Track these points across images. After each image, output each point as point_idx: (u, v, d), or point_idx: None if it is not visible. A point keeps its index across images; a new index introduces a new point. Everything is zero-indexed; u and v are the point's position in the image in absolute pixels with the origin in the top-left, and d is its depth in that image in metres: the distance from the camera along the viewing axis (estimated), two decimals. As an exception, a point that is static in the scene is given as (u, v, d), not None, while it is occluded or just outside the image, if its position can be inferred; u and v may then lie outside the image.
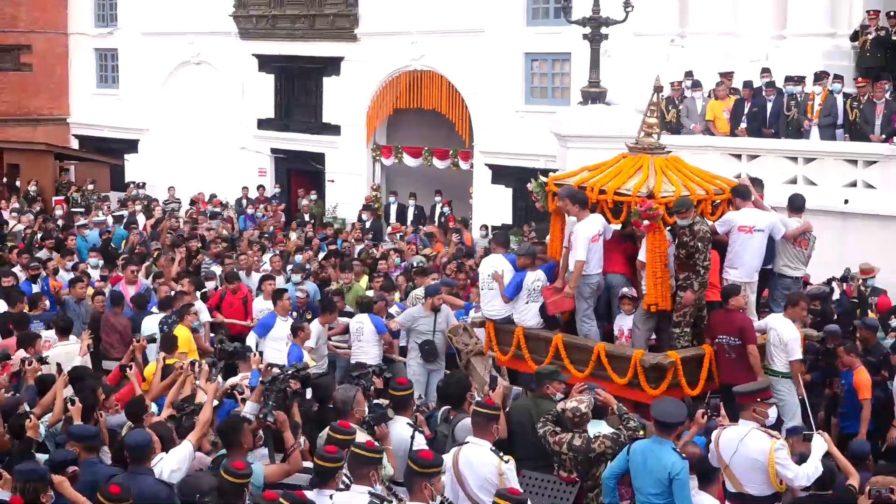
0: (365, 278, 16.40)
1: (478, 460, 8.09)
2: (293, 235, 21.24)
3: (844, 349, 11.43)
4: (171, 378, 10.15)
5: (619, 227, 11.23)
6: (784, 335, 10.62)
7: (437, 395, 10.54)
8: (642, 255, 10.77)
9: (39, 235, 20.22)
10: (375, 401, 9.33)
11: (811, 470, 8.13)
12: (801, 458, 8.33)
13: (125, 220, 22.05)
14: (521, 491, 7.27)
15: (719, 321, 10.72)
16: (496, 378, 10.24)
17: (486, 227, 23.45)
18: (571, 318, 11.42)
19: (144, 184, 29.94)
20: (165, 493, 7.62)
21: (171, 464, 7.87)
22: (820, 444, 8.42)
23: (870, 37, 19.56)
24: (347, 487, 7.32)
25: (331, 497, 7.21)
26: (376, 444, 7.79)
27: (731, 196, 11.24)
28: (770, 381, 9.66)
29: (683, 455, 8.02)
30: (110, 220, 21.66)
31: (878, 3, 20.64)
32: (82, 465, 7.91)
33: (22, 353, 11.08)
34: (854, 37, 20.40)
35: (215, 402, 8.97)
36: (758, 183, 11.85)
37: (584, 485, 8.56)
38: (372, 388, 9.69)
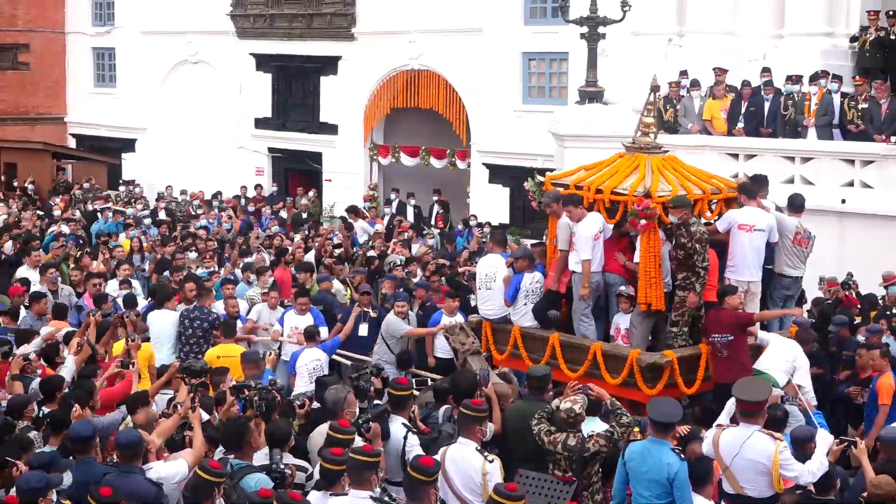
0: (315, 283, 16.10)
1: (463, 460, 8.13)
2: (297, 237, 21.19)
3: (879, 353, 11.18)
4: (168, 376, 10.19)
5: (613, 226, 11.22)
6: (800, 363, 10.55)
7: (438, 393, 10.51)
8: (636, 255, 10.76)
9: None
10: (376, 401, 9.31)
11: (815, 466, 8.09)
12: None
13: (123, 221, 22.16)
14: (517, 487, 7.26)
15: (713, 320, 10.70)
16: (488, 373, 10.21)
17: (480, 224, 23.31)
18: (569, 318, 11.40)
19: (133, 181, 29.99)
20: (154, 493, 7.60)
21: (162, 473, 7.87)
22: (824, 439, 8.38)
23: (870, 37, 19.55)
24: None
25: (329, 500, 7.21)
26: (374, 448, 7.76)
27: (738, 192, 11.22)
28: (771, 386, 9.67)
29: (682, 455, 8.01)
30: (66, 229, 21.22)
31: (877, 2, 20.64)
32: (77, 464, 7.90)
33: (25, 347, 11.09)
34: (855, 38, 20.40)
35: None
36: (761, 181, 11.83)
37: (579, 483, 8.55)
38: (372, 388, 9.68)
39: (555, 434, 8.60)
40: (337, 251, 18.31)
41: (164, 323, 13.20)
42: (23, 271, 15.98)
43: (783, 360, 10.45)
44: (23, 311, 13.68)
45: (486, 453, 8.12)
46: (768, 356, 10.54)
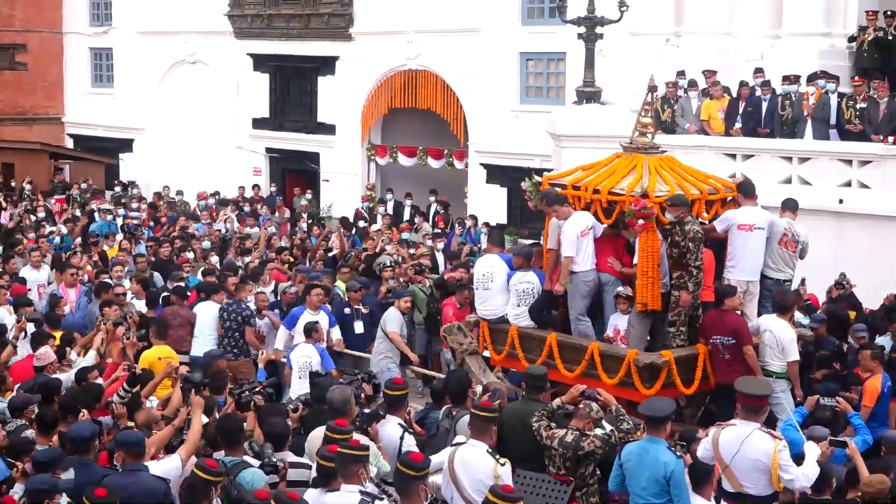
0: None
1: (473, 461, 8.09)
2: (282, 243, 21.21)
3: (870, 355, 11.16)
4: (162, 376, 10.21)
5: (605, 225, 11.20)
6: (781, 337, 10.59)
7: (435, 392, 10.51)
8: (635, 256, 10.75)
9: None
10: (366, 409, 9.31)
11: (809, 471, 8.10)
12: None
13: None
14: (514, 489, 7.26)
15: (713, 321, 10.67)
16: (500, 392, 10.17)
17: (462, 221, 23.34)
18: (566, 318, 11.39)
19: (133, 182, 29.95)
20: (163, 489, 7.60)
21: (157, 472, 7.84)
22: (813, 447, 8.39)
23: (868, 37, 19.56)
24: None
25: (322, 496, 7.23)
26: (362, 441, 7.77)
27: (736, 192, 11.22)
28: (771, 383, 9.66)
29: (679, 453, 8.01)
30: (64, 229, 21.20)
31: (875, 2, 20.65)
32: (77, 466, 7.89)
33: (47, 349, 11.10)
34: (853, 38, 20.40)
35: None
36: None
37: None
38: (363, 394, 9.68)
39: (554, 430, 8.61)
40: (330, 253, 18.31)
41: (207, 315, 13.67)
42: (25, 271, 16.09)
43: (773, 352, 10.59)
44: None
45: (497, 456, 8.08)
46: (763, 351, 10.64)
